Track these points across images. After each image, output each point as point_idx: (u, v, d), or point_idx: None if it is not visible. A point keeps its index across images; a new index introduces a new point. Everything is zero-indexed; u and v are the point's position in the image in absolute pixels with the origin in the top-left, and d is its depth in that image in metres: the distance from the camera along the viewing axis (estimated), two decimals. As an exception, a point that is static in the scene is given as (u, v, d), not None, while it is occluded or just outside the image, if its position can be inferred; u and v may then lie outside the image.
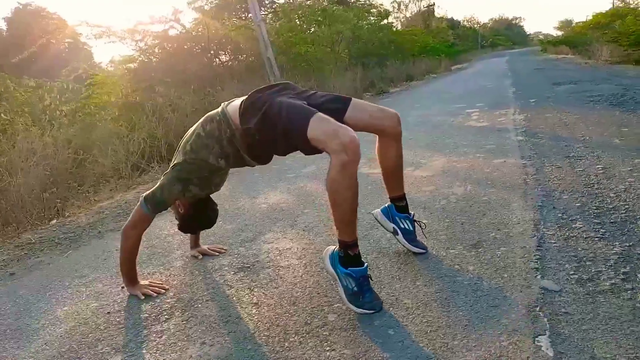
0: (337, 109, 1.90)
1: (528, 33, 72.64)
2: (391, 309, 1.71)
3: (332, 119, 1.67)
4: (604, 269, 1.78)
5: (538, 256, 1.94)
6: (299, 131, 1.68)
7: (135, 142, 5.30)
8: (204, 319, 1.84)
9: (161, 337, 1.75)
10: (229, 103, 2.00)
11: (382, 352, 1.47)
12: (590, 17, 29.19)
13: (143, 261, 2.45)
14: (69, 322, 1.96)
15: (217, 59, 11.60)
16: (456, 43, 30.24)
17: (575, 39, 25.99)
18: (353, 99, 1.99)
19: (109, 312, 2.01)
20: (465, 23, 40.55)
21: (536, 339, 1.42)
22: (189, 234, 2.51)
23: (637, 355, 1.31)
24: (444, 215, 2.55)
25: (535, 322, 1.50)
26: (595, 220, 2.24)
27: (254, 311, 1.84)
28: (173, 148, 5.82)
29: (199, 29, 10.35)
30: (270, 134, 1.79)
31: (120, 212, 3.57)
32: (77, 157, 4.81)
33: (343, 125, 1.64)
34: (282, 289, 1.99)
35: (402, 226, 2.11)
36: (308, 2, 15.16)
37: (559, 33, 42.06)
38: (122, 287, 2.21)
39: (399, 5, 27.82)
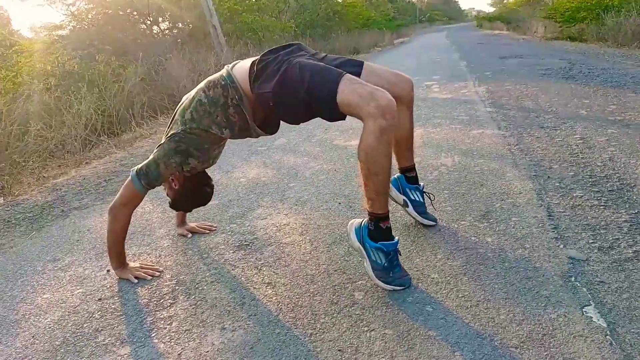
0: (352, 73, 1.76)
1: (463, 9, 74.45)
2: (420, 284, 1.64)
3: (363, 81, 1.54)
4: (620, 237, 1.79)
5: (553, 225, 1.93)
6: (327, 95, 1.54)
7: (82, 114, 4.88)
8: (215, 302, 1.68)
9: (171, 324, 1.58)
10: (234, 65, 1.81)
11: (426, 330, 1.39)
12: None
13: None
14: (56, 312, 1.74)
15: (156, 27, 10.97)
16: (396, 17, 30.42)
17: (509, 15, 26.88)
18: (365, 62, 1.85)
19: (100, 299, 1.80)
20: (403, -2, 40.91)
21: (583, 309, 1.39)
22: (174, 212, 2.31)
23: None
24: (441, 187, 2.50)
25: (576, 292, 1.48)
26: (594, 189, 2.26)
27: (269, 292, 1.71)
28: (124, 120, 5.46)
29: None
30: (289, 99, 1.63)
31: (80, 190, 3.27)
32: (19, 129, 4.35)
33: (377, 87, 1.51)
34: (294, 266, 1.86)
35: (412, 198, 2.04)
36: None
37: (492, 9, 43.34)
38: (108, 271, 2.00)
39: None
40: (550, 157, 2.80)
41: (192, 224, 2.35)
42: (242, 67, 1.77)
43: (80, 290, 1.89)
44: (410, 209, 2.04)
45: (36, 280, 2.00)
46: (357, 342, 1.37)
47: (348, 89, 1.51)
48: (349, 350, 1.35)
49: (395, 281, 1.60)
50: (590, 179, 2.39)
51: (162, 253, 2.13)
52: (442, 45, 15.67)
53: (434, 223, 2.05)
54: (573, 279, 1.55)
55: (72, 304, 1.78)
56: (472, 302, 1.49)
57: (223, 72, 1.80)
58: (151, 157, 1.84)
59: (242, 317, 1.58)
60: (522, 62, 7.91)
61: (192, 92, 1.85)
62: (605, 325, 1.31)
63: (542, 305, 1.44)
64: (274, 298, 1.67)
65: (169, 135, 1.82)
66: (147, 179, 1.82)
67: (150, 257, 2.09)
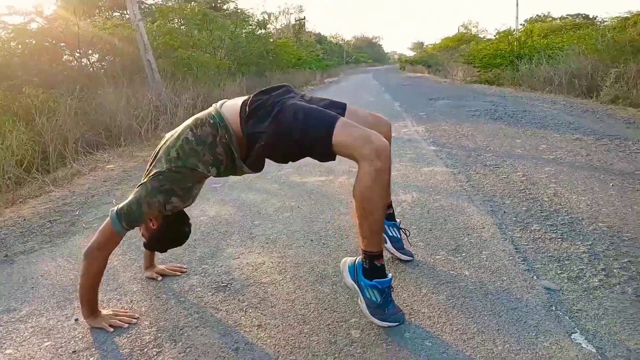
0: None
1: (386, 52, 78.47)
2: (412, 319, 1.68)
3: (356, 124, 1.60)
4: (583, 267, 1.95)
5: (522, 258, 2.06)
6: (322, 136, 1.58)
7: (13, 149, 4.57)
8: (206, 347, 1.62)
9: (163, 374, 1.50)
10: (222, 104, 1.81)
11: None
12: (439, 41, 32.51)
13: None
14: (25, 368, 1.59)
15: (86, 59, 10.59)
16: (324, 58, 31.43)
17: (429, 59, 28.69)
18: (347, 104, 1.93)
19: (74, 351, 1.67)
20: (331, 39, 42.44)
21: (571, 337, 1.49)
22: (142, 253, 2.22)
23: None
24: (407, 223, 2.59)
25: (560, 321, 1.59)
26: (548, 222, 2.45)
27: (262, 334, 1.67)
28: (60, 155, 5.16)
29: (65, 25, 9.33)
30: (283, 139, 1.65)
31: (23, 232, 3.03)
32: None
33: (372, 130, 1.58)
34: (281, 307, 1.84)
35: (390, 234, 2.10)
36: (188, 4, 14.58)
37: (412, 53, 46.03)
38: (76, 320, 1.88)
39: (270, 16, 28.10)
40: (500, 193, 2.99)
41: (161, 266, 2.26)
42: (231, 106, 1.77)
43: (49, 343, 1.74)
44: (389, 244, 2.10)
45: (-7, 334, 1.82)
46: (366, 381, 1.37)
47: (344, 131, 1.57)
48: (360, 389, 1.35)
49: (390, 318, 1.63)
50: (542, 214, 2.58)
51: (134, 298, 2.02)
52: (371, 86, 16.34)
53: (411, 258, 2.12)
54: (554, 308, 1.66)
55: (42, 359, 1.64)
56: (467, 335, 1.55)
57: (211, 110, 1.79)
58: (132, 196, 1.77)
59: (239, 362, 1.53)
60: (450, 103, 8.43)
61: (178, 130, 1.82)
62: (594, 350, 1.42)
63: (533, 334, 1.52)
64: (269, 341, 1.63)
65: (152, 174, 1.77)
66: (128, 220, 1.74)
67: (120, 304, 1.98)
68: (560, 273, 1.91)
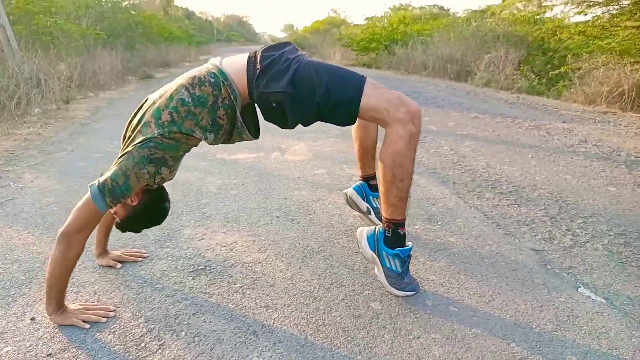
0: None
1: (257, 32, 77.53)
2: (425, 287, 1.67)
3: (385, 86, 1.53)
4: (551, 229, 2.11)
5: (495, 223, 2.17)
6: (349, 98, 1.48)
7: None
8: (218, 334, 1.45)
9: (181, 370, 1.31)
10: (221, 61, 1.60)
11: (469, 328, 1.43)
12: (310, 24, 32.99)
13: (22, 283, 1.77)
14: (-8, 384, 1.28)
15: None
16: (195, 34, 30.11)
17: (302, 41, 29.00)
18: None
19: (49, 354, 1.39)
20: (200, 15, 40.67)
21: (578, 290, 1.60)
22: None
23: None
24: (367, 195, 2.58)
25: (561, 277, 1.70)
26: (497, 191, 2.62)
27: (275, 315, 1.54)
28: None
29: None
30: (302, 100, 1.51)
31: None
32: None
33: (401, 93, 1.51)
34: (281, 286, 1.72)
35: (374, 205, 2.07)
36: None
37: (283, 34, 46.12)
38: (33, 319, 1.56)
39: (134, -14, 26.09)
40: (440, 165, 3.12)
41: (116, 252, 1.97)
42: (233, 63, 1.57)
43: (8, 348, 1.42)
44: (372, 216, 2.07)
45: None
46: (414, 352, 1.34)
47: (375, 93, 1.48)
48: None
49: (408, 287, 1.61)
50: (487, 183, 2.75)
51: (97, 289, 1.73)
52: (252, 65, 16.00)
53: (392, 229, 2.11)
54: (549, 267, 1.77)
55: (11, 369, 1.33)
56: (486, 298, 1.59)
57: (209, 67, 1.57)
58: (115, 168, 1.50)
59: (265, 345, 1.39)
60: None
61: (167, 90, 1.57)
62: (604, 301, 1.54)
63: (546, 292, 1.61)
64: (287, 321, 1.51)
65: (139, 140, 1.51)
66: (113, 195, 1.47)
67: (81, 297, 1.69)
68: (534, 235, 2.04)
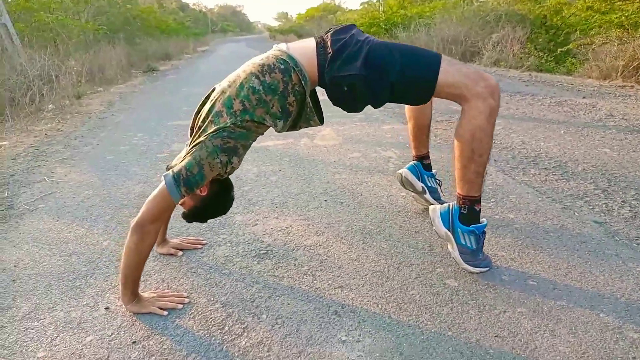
0: None
1: (251, 21, 76.95)
2: (497, 263, 1.66)
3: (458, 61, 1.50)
4: (607, 202, 2.10)
5: (550, 198, 2.15)
6: (426, 75, 1.45)
7: None
8: (300, 315, 1.44)
9: (269, 348, 1.30)
10: (288, 47, 1.57)
11: (553, 300, 1.43)
12: (305, 11, 32.72)
13: (86, 274, 1.77)
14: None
15: None
16: (190, 26, 29.89)
17: (299, 29, 28.80)
18: None
19: (134, 342, 1.38)
20: (193, 7, 40.29)
21: (654, 259, 1.59)
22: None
23: None
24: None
25: (631, 247, 1.69)
26: (541, 167, 2.60)
27: (352, 295, 1.54)
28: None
29: None
30: (377, 81, 1.49)
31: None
32: None
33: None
34: (349, 266, 1.71)
35: (429, 184, 2.06)
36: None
37: (277, 23, 45.78)
38: (107, 309, 1.55)
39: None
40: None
41: (174, 240, 1.97)
42: (302, 47, 1.55)
43: (91, 337, 1.41)
44: (427, 195, 2.06)
45: None
46: (503, 325, 1.33)
47: (452, 69, 1.46)
48: (505, 334, 1.30)
49: (482, 264, 1.60)
50: (527, 159, 2.73)
51: (164, 277, 1.73)
52: (254, 54, 15.90)
53: (447, 208, 2.10)
54: (616, 238, 1.76)
55: (96, 356, 1.32)
56: (562, 271, 1.58)
57: (277, 53, 1.54)
58: (189, 158, 1.48)
59: (352, 325, 1.38)
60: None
61: (235, 78, 1.55)
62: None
63: (621, 262, 1.60)
64: (365, 300, 1.50)
65: (212, 130, 1.49)
66: (189, 184, 1.46)
67: (148, 286, 1.68)
68: (592, 208, 2.03)
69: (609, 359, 1.18)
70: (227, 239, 1.99)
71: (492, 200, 2.17)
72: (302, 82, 1.50)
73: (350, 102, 1.57)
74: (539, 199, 2.15)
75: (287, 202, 2.34)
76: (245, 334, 1.38)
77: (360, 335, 1.34)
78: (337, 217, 2.13)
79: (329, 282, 1.62)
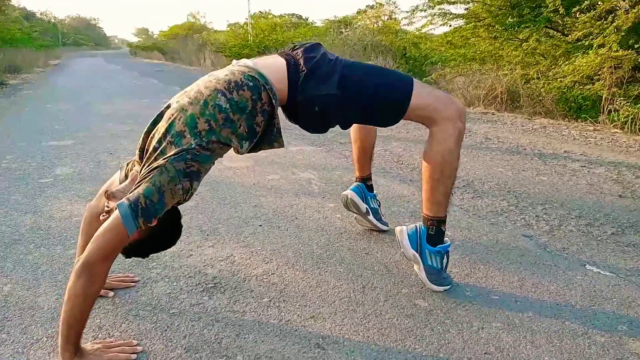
0: None
1: (108, 35, 71.95)
2: (456, 279, 1.72)
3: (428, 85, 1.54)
4: (524, 216, 2.31)
5: (475, 214, 2.30)
6: (400, 97, 1.47)
7: None
8: (281, 354, 1.32)
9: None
10: (255, 63, 1.47)
11: (520, 313, 1.50)
12: (167, 28, 31.73)
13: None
14: None
15: None
16: (37, 37, 27.16)
17: (163, 46, 27.79)
18: None
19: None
20: (41, 16, 36.54)
21: (586, 267, 1.78)
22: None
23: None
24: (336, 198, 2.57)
25: (564, 257, 1.86)
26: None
27: (328, 325, 1.46)
28: None
29: None
30: (349, 101, 1.46)
31: None
32: None
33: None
34: (313, 294, 1.63)
35: (372, 205, 2.08)
36: None
37: (136, 39, 43.69)
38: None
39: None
40: (387, 165, 3.23)
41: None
42: (271, 65, 1.46)
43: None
44: (371, 216, 2.07)
45: None
46: (488, 341, 1.36)
47: (424, 91, 1.49)
48: (492, 349, 1.33)
49: (446, 282, 1.63)
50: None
51: (100, 324, 1.48)
52: (118, 70, 15.00)
53: (387, 227, 2.13)
54: (547, 249, 1.93)
55: None
56: (515, 284, 1.68)
57: (243, 69, 1.43)
58: (146, 185, 1.28)
59: (341, 358, 1.31)
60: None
61: (197, 95, 1.39)
62: (613, 274, 1.72)
63: (562, 271, 1.75)
64: (345, 329, 1.44)
65: (174, 153, 1.32)
66: (147, 215, 1.27)
67: (86, 337, 1.43)
68: (514, 223, 2.22)
69: (591, 364, 1.26)
70: (162, 274, 1.78)
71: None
72: (273, 101, 1.41)
73: (318, 122, 1.52)
74: (467, 216, 2.28)
75: (218, 229, 2.18)
76: (229, 380, 1.22)
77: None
78: (279, 242, 2.03)
79: (298, 313, 1.52)
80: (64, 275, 1.76)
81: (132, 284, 1.71)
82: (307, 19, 28.39)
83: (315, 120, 1.49)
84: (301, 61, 1.44)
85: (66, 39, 38.83)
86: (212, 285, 1.70)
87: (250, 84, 1.39)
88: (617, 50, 4.81)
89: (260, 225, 2.21)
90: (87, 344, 1.34)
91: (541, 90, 6.06)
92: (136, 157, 1.45)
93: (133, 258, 1.77)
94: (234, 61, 1.51)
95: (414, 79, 1.52)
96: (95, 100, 7.09)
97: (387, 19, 13.46)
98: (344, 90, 1.43)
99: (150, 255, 1.56)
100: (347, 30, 15.10)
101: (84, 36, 46.75)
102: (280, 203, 2.50)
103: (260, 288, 1.67)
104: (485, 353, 1.31)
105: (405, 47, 12.52)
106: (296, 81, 1.42)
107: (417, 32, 10.50)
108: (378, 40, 12.70)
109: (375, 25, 13.68)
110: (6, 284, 1.71)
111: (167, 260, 1.87)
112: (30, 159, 3.44)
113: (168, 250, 1.75)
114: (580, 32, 5.28)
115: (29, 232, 2.15)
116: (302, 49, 1.50)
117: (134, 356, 1.32)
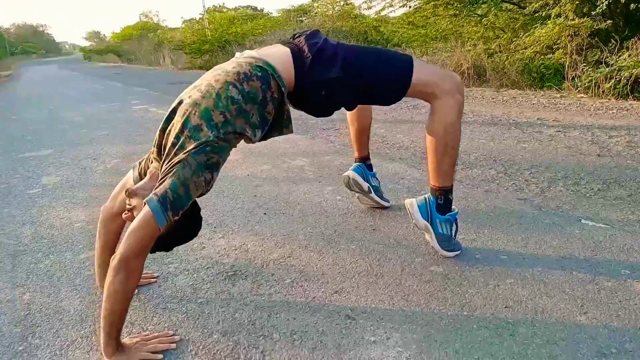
0: None
1: (58, 42, 69.52)
2: (464, 244, 1.81)
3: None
4: (515, 182, 2.42)
5: (469, 184, 2.40)
6: (401, 75, 1.53)
7: None
8: (315, 327, 1.38)
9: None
10: (260, 53, 1.51)
11: (530, 268, 1.60)
12: (120, 30, 30.96)
13: (20, 336, 1.49)
14: None
15: None
16: (-17, 47, 26.15)
17: (117, 48, 27.12)
18: None
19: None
20: (-16, 26, 34.98)
21: (582, 222, 1.90)
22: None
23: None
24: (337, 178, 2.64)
25: (559, 215, 1.98)
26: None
27: (353, 298, 1.52)
28: None
29: None
30: (352, 84, 1.52)
31: None
32: None
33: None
34: (332, 272, 1.69)
35: (373, 183, 2.15)
36: None
37: (88, 43, 42.46)
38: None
39: None
40: (371, 145, 3.29)
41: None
42: (276, 53, 1.50)
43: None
44: (373, 194, 2.14)
45: None
46: (505, 296, 1.45)
47: (424, 68, 1.56)
48: (512, 303, 1.42)
49: (456, 247, 1.72)
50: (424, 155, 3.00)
51: (130, 319, 1.51)
52: (75, 77, 14.58)
53: (389, 204, 2.21)
54: (543, 209, 2.05)
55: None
56: (520, 243, 1.78)
57: (250, 60, 1.47)
58: (172, 179, 1.31)
59: (372, 325, 1.39)
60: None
61: (208, 89, 1.42)
62: (607, 225, 1.85)
63: (560, 228, 1.87)
64: (370, 300, 1.51)
65: (194, 146, 1.34)
66: (175, 209, 1.30)
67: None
68: (507, 189, 2.33)
69: (605, 306, 1.37)
70: (180, 267, 1.81)
71: (422, 192, 2.33)
72: (281, 89, 1.45)
73: (325, 106, 1.57)
74: (462, 186, 2.38)
75: (225, 221, 2.21)
76: (268, 357, 1.28)
77: (386, 333, 1.34)
78: (287, 227, 2.08)
79: (322, 289, 1.58)
80: (81, 279, 1.77)
81: (153, 279, 1.74)
82: (262, 10, 28.10)
83: (321, 104, 1.54)
84: (305, 48, 1.49)
85: (14, 48, 37.32)
86: (232, 273, 1.74)
87: (259, 74, 1.43)
88: (573, 19, 5.01)
89: (265, 214, 2.25)
90: (125, 339, 1.37)
91: (505, 63, 6.25)
92: (154, 154, 1.47)
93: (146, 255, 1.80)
94: (237, 53, 1.55)
95: (412, 56, 1.59)
96: (61, 107, 6.93)
97: (343, 4, 13.51)
98: (348, 72, 1.48)
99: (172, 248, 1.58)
100: (307, 18, 15.08)
101: (33, 44, 45.00)
102: (279, 191, 2.55)
103: (280, 271, 1.72)
104: (505, 307, 1.40)
105: (366, 32, 12.63)
106: (302, 68, 1.47)
107: (376, 16, 10.59)
108: (338, 26, 12.77)
109: (333, 12, 13.70)
110: (24, 293, 1.70)
111: (182, 254, 1.89)
112: (12, 171, 3.37)
113: (178, 247, 1.79)
114: (537, 4, 5.47)
115: (32, 242, 2.13)
116: (304, 36, 1.54)
117: (173, 345, 1.36)
